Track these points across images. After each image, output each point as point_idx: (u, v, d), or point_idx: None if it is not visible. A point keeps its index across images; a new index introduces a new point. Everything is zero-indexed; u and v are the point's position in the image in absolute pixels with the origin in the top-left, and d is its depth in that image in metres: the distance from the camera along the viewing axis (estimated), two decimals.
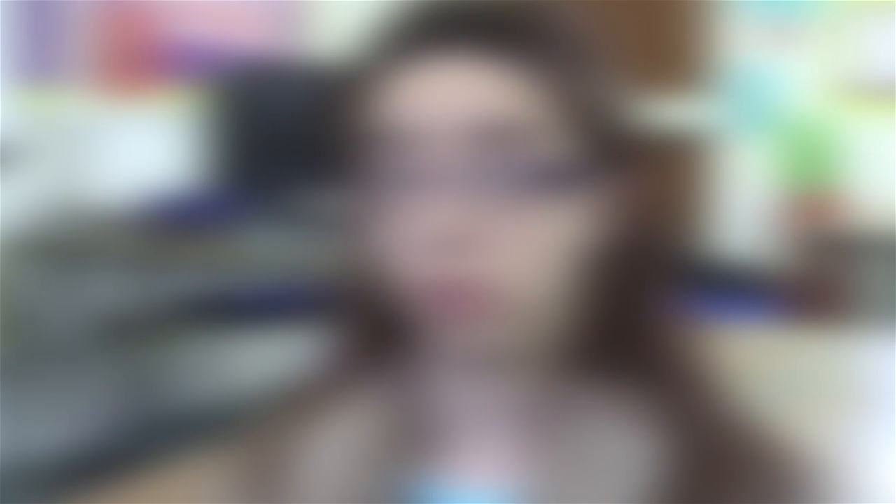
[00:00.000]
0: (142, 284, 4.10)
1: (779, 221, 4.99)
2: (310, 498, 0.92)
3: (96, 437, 3.89)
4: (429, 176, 0.84)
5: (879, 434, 2.44)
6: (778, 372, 2.73)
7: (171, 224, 3.92)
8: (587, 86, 0.88)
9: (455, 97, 0.84)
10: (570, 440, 0.88)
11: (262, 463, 0.96)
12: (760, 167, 5.06)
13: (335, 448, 0.93)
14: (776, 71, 5.04)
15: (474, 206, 0.84)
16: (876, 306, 4.32)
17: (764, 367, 2.72)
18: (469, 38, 0.85)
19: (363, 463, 0.92)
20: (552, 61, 0.86)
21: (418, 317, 0.86)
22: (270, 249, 3.79)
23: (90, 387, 4.02)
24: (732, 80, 5.11)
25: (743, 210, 5.11)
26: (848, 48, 4.97)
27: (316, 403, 0.96)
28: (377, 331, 0.93)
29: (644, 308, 0.91)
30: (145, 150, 4.32)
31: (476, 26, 0.86)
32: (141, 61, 4.44)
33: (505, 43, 0.85)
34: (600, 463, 0.87)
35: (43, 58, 4.13)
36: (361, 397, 0.94)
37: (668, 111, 5.08)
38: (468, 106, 0.84)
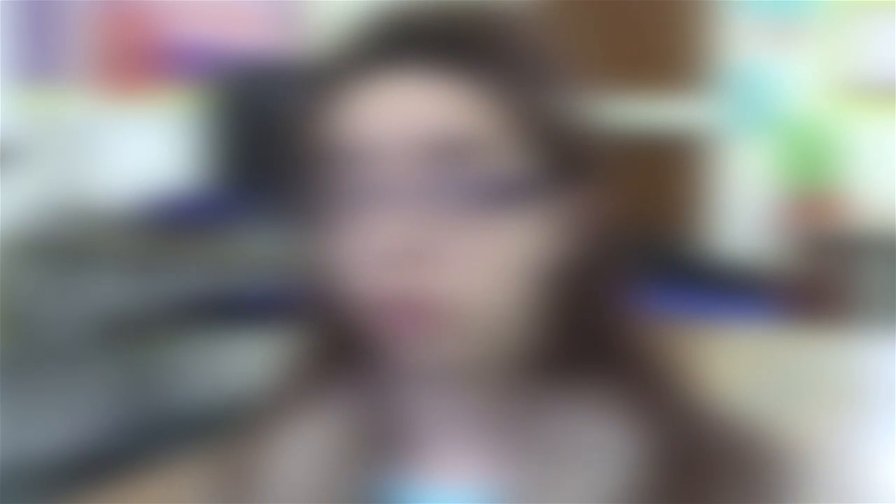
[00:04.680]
0: (142, 284, 4.10)
1: (779, 221, 4.99)
2: (281, 500, 0.92)
3: (96, 437, 3.89)
4: (381, 192, 0.84)
5: (879, 434, 2.44)
6: (778, 372, 2.73)
7: (171, 224, 3.92)
8: (541, 100, 0.87)
9: (406, 113, 0.84)
10: (541, 441, 0.88)
11: (235, 467, 0.96)
12: (760, 167, 5.07)
13: (306, 452, 0.93)
14: (776, 71, 5.04)
15: (426, 222, 0.83)
16: (876, 306, 4.32)
17: (763, 368, 2.72)
18: (422, 53, 0.85)
19: (333, 466, 0.91)
20: (505, 76, 0.86)
21: (374, 332, 0.86)
22: (270, 249, 3.78)
23: (90, 387, 4.02)
24: (732, 80, 5.11)
25: (743, 210, 5.11)
26: (848, 48, 4.97)
27: (286, 409, 0.96)
28: (339, 341, 0.92)
29: (607, 312, 0.90)
30: (145, 150, 4.32)
31: (429, 41, 0.86)
32: (141, 61, 4.44)
33: (457, 57, 0.85)
34: (574, 462, 0.87)
35: (43, 58, 4.13)
36: (331, 401, 0.94)
37: (667, 111, 5.08)
38: (419, 122, 0.84)
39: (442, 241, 0.84)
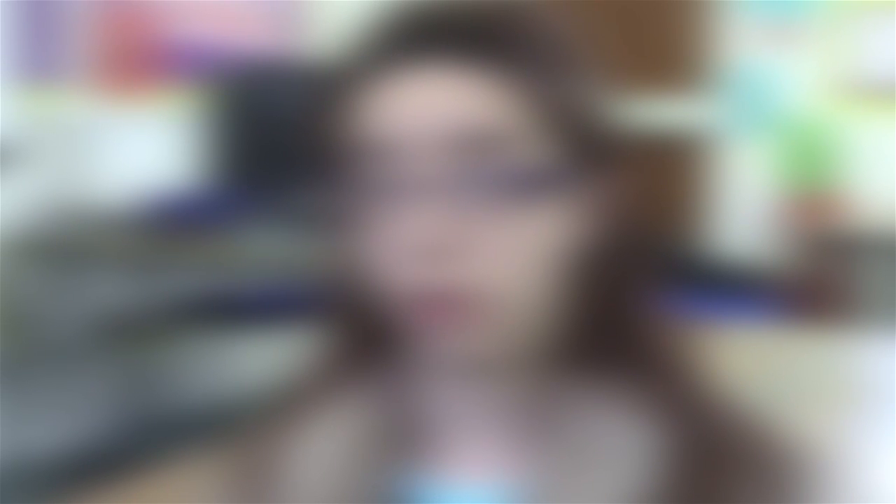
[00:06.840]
0: (142, 284, 4.10)
1: (779, 221, 4.99)
2: (300, 498, 0.92)
3: (96, 437, 3.89)
4: (410, 185, 0.84)
5: (879, 434, 2.44)
6: (778, 372, 2.73)
7: (171, 224, 3.93)
8: (565, 91, 0.88)
9: (433, 106, 0.85)
10: (563, 438, 0.88)
11: (252, 463, 0.96)
12: (760, 167, 5.07)
13: (326, 448, 0.93)
14: (776, 71, 5.04)
15: (456, 215, 0.84)
16: (876, 306, 4.32)
17: (764, 367, 2.72)
18: (446, 46, 0.86)
19: (354, 463, 0.92)
20: (529, 68, 0.87)
21: (404, 325, 0.86)
22: (270, 249, 3.79)
23: (90, 387, 4.02)
24: (732, 80, 5.11)
25: (743, 210, 5.11)
26: (848, 48, 4.98)
27: (306, 404, 0.96)
28: (365, 334, 0.93)
29: (630, 305, 0.91)
30: (145, 150, 4.32)
31: (453, 34, 0.87)
32: (141, 61, 4.44)
33: (482, 50, 0.86)
34: (595, 459, 0.87)
35: (43, 58, 4.14)
36: (351, 398, 0.94)
37: (668, 111, 5.08)
38: (447, 115, 0.85)
39: (471, 233, 0.84)
